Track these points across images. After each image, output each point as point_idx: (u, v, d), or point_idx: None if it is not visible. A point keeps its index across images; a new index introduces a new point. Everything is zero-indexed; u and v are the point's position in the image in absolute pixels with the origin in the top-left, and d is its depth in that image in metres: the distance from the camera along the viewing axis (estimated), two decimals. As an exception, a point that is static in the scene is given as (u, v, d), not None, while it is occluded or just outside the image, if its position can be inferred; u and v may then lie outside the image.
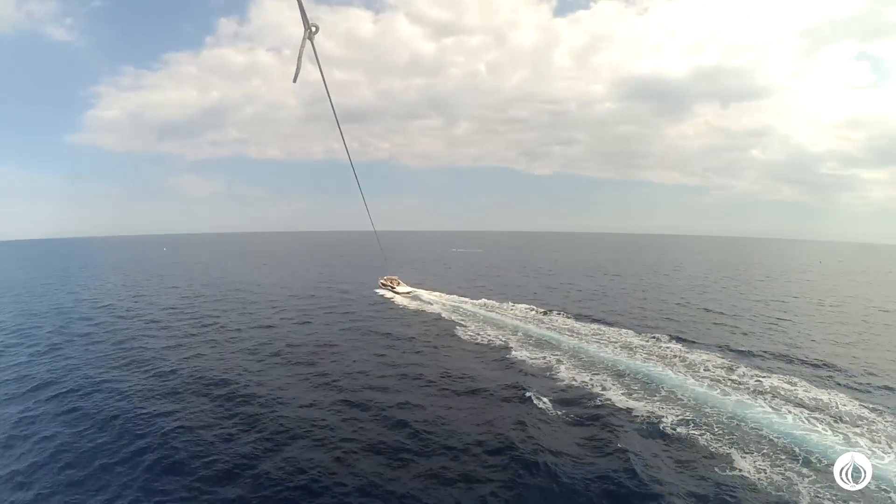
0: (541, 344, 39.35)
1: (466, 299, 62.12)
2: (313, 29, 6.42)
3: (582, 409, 26.41)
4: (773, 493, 18.42)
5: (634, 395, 28.01)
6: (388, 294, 69.74)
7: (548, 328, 44.77)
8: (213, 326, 48.65)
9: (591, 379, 30.73)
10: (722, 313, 54.77)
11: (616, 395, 27.95)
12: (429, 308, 56.93)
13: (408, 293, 69.47)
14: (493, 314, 51.15)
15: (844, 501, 17.68)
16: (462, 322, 47.51)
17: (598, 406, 26.66)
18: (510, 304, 56.86)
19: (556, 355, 35.93)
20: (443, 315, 51.47)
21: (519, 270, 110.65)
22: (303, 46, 6.24)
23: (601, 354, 36.16)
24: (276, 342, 41.71)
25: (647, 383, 30.02)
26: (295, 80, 6.39)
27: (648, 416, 24.99)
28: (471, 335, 42.48)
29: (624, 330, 43.81)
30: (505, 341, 40.03)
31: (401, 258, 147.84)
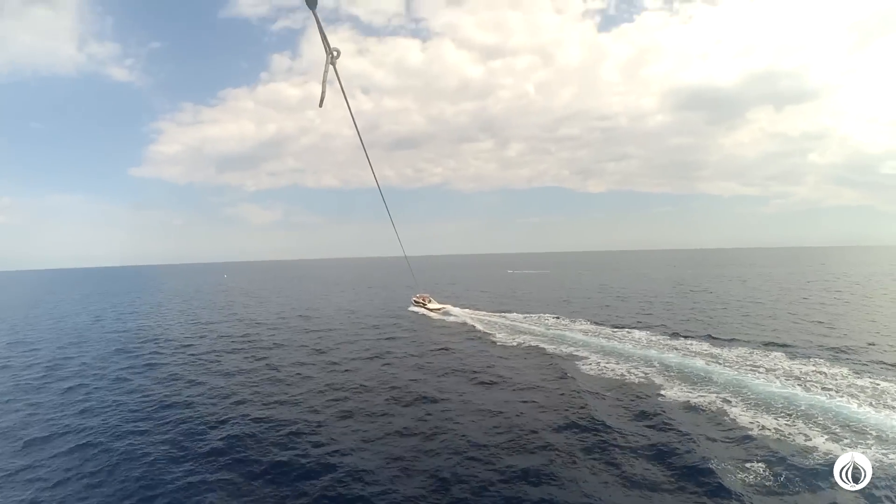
0: (687, 377, 31.83)
1: (567, 322, 55.46)
2: (335, 53, 6.52)
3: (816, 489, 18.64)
4: None
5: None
6: (434, 315, 70.68)
7: (684, 355, 37.28)
8: (270, 356, 45.24)
9: (784, 425, 23.73)
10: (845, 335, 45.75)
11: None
12: (519, 338, 48.90)
13: (438, 309, 73.52)
14: (608, 342, 43.43)
15: None
16: (578, 354, 39.92)
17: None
18: (624, 330, 49.04)
19: (716, 391, 28.90)
20: (544, 347, 43.68)
21: (599, 291, 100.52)
22: (326, 71, 6.39)
23: (770, 390, 28.69)
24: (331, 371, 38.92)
25: (860, 430, 22.80)
26: (321, 105, 6.34)
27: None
28: (595, 370, 35.01)
29: (774, 353, 36.83)
30: (645, 375, 32.69)
31: (464, 281, 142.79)
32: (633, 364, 35.51)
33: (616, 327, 50.71)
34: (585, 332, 48.66)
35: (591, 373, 34.35)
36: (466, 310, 72.61)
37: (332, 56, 6.45)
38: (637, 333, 46.71)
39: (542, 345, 43.97)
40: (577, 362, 37.04)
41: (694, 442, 22.60)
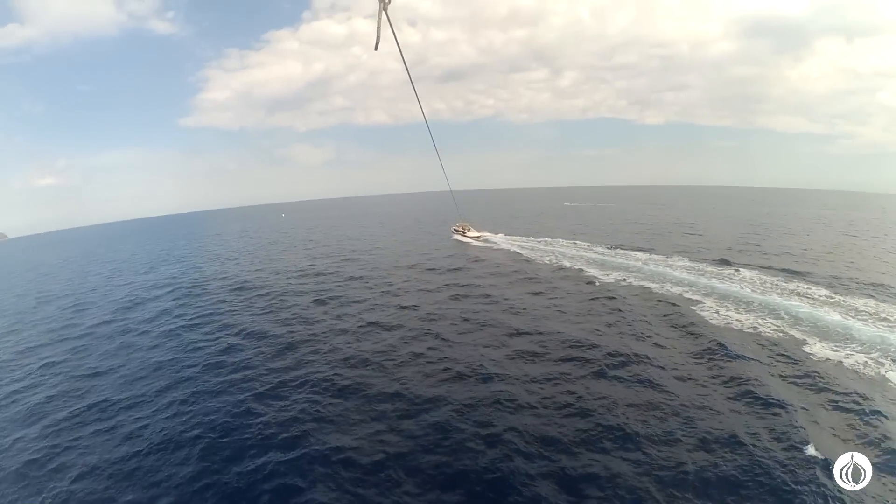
0: (825, 333, 28.34)
1: (661, 258, 51.75)
2: (387, 0, 6.70)
3: None
4: None
5: None
6: (478, 243, 74.13)
7: (812, 304, 33.34)
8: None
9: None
10: None
11: None
12: (605, 278, 46.52)
13: (478, 237, 77.61)
14: (720, 284, 39.62)
15: None
16: (689, 297, 36.78)
17: None
18: (729, 269, 45.10)
19: (862, 350, 25.71)
20: (649, 286, 41.03)
21: (676, 225, 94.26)
22: (380, 16, 6.65)
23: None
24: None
25: None
26: (376, 48, 6.78)
27: None
28: (718, 319, 31.72)
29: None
30: (778, 328, 29.46)
31: (527, 215, 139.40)
32: (758, 313, 32.28)
33: (716, 266, 46.87)
34: (687, 270, 45.10)
35: (716, 322, 31.22)
36: (522, 238, 74.36)
37: (384, 2, 6.63)
38: (745, 272, 42.88)
39: (644, 283, 41.13)
40: (693, 308, 34.05)
41: (864, 414, 19.96)
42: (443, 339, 30.82)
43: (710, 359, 25.55)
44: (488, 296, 40.92)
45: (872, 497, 14.91)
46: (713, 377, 23.46)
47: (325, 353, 29.63)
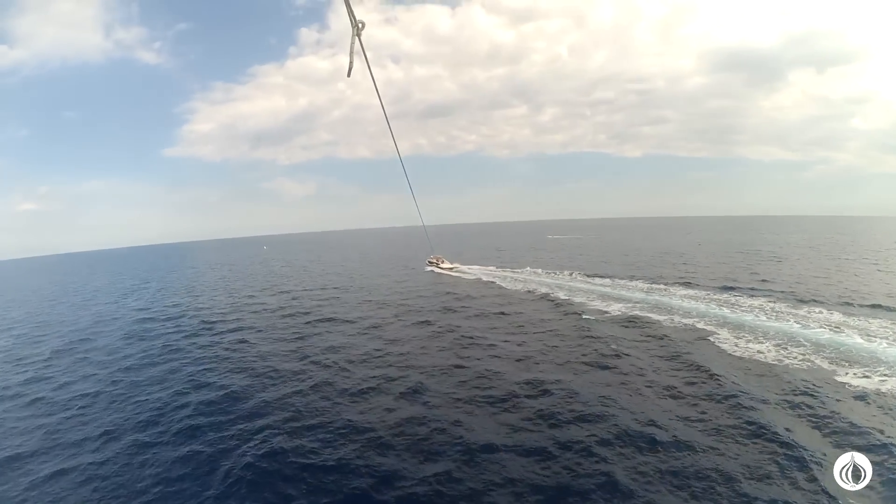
0: (851, 358, 26.88)
1: (663, 287, 50.67)
2: (360, 26, 6.68)
3: None
4: None
5: None
6: (454, 273, 77.83)
7: (832, 329, 31.98)
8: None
9: None
10: None
11: None
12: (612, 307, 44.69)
13: (451, 269, 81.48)
14: (731, 313, 37.94)
15: None
16: (700, 327, 35.00)
17: None
18: (734, 296, 44.19)
19: (893, 371, 24.42)
20: (658, 318, 39.04)
21: (666, 255, 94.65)
22: (353, 43, 6.66)
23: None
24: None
25: None
26: (349, 75, 6.60)
27: None
28: (738, 351, 29.65)
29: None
30: (804, 357, 27.69)
31: (515, 247, 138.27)
32: (778, 342, 30.52)
33: (721, 293, 45.71)
34: (693, 300, 43.63)
35: (739, 355, 29.12)
36: (508, 271, 75.47)
37: (357, 28, 6.66)
38: (751, 301, 41.88)
39: (651, 315, 39.33)
40: (710, 339, 32.11)
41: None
42: (430, 391, 26.43)
43: (745, 404, 22.63)
44: (473, 337, 37.00)
45: None
46: (751, 427, 20.63)
47: (297, 408, 25.36)
